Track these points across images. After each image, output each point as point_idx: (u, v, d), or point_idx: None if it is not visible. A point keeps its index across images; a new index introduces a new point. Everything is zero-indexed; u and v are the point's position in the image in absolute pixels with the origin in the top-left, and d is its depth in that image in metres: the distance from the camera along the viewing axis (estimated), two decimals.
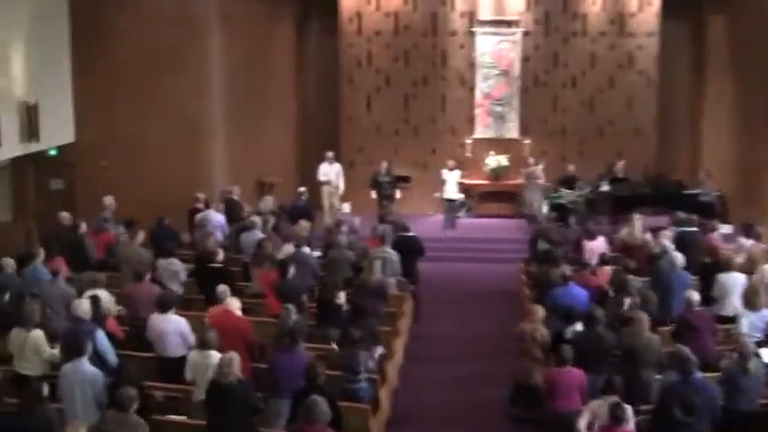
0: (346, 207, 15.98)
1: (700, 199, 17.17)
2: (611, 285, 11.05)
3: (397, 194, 19.00)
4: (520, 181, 19.87)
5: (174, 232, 14.18)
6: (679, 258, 11.75)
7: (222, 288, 10.19)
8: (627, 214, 15.17)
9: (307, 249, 12.81)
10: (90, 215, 14.47)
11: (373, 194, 18.93)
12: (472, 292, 15.93)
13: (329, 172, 18.70)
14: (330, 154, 18.92)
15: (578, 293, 10.89)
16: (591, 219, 17.18)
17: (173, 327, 9.65)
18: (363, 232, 14.97)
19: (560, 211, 17.87)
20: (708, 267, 11.96)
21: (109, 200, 14.69)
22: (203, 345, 8.79)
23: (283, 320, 9.52)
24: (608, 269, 11.89)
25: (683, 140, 21.42)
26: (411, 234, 14.15)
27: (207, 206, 14.97)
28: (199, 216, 14.77)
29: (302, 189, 16.88)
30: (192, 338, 9.64)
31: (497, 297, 15.46)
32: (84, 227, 13.38)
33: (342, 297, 11.07)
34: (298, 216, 14.96)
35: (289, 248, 12.69)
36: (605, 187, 18.33)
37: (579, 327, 9.93)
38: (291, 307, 9.73)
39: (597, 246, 13.49)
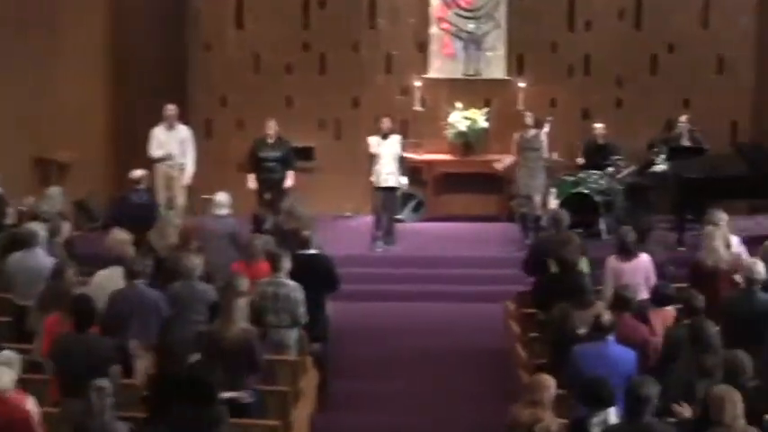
0: (223, 199, 15.92)
1: None
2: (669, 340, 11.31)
3: (290, 180, 19.15)
4: (509, 156, 19.80)
5: None
6: None
7: None
8: (703, 212, 15.24)
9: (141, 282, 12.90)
10: None
11: (251, 181, 19.24)
12: (424, 354, 15.93)
13: (168, 141, 18.93)
14: (171, 109, 19.15)
15: (622, 356, 11.06)
16: (639, 220, 17.06)
17: None
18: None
19: (582, 207, 17.71)
20: None
21: None
22: None
23: (78, 413, 9.59)
24: (670, 311, 12.20)
25: None
26: (313, 252, 14.32)
27: None
28: None
29: (139, 173, 17.16)
30: None
31: (469, 361, 15.60)
32: None
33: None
34: (131, 221, 15.26)
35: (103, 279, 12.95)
36: (662, 165, 18.60)
37: (613, 415, 9.90)
38: (105, 384, 9.64)
39: (635, 268, 13.74)
